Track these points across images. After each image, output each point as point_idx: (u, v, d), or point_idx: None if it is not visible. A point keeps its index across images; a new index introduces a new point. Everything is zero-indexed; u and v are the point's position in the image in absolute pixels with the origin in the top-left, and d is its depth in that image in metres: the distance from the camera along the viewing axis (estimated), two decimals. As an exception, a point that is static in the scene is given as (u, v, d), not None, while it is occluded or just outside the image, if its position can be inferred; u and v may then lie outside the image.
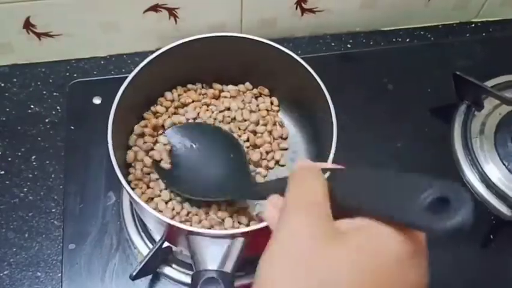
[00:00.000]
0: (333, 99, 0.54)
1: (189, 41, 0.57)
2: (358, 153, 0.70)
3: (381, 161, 0.70)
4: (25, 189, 0.67)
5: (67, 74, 0.77)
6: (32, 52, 0.76)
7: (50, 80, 0.76)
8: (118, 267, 0.61)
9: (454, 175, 0.69)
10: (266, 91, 0.64)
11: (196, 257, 0.45)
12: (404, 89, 0.77)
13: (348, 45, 0.83)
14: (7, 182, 0.68)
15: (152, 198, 0.56)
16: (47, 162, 0.69)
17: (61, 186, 0.67)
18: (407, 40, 0.83)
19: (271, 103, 0.64)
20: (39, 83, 0.76)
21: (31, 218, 0.66)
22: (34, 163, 0.69)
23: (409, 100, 0.76)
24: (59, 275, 0.62)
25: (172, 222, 0.47)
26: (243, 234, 0.46)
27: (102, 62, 0.78)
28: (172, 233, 0.51)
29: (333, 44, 0.83)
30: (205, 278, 0.43)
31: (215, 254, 0.45)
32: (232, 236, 0.46)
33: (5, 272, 0.62)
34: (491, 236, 0.66)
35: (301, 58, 0.57)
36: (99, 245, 0.63)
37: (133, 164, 0.57)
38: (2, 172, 0.69)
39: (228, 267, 0.45)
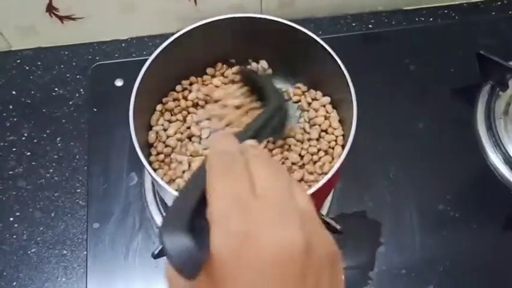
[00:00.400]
0: (354, 80, 0.54)
1: (209, 22, 0.57)
2: (379, 135, 0.69)
3: (402, 143, 0.70)
4: (51, 170, 0.69)
5: (90, 57, 0.78)
6: (55, 35, 0.77)
7: (73, 63, 0.77)
8: (141, 246, 0.63)
9: (477, 157, 0.68)
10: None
11: None
12: (427, 69, 0.75)
13: (370, 26, 0.81)
14: (33, 163, 0.69)
15: (174, 180, 0.57)
16: (72, 143, 0.71)
17: (85, 167, 0.69)
18: (430, 19, 0.82)
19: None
20: (62, 66, 0.77)
21: (57, 198, 0.67)
22: (59, 144, 0.71)
23: (431, 81, 0.74)
24: (85, 253, 0.63)
25: None
26: None
27: (123, 45, 0.79)
28: None
29: (354, 24, 0.82)
30: None
31: None
32: None
33: (33, 250, 0.64)
34: (514, 218, 0.65)
35: (322, 39, 0.56)
36: (122, 225, 0.64)
37: (154, 145, 0.58)
38: (29, 153, 0.70)
39: None
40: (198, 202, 0.30)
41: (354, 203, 0.65)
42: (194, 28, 0.56)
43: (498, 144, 0.67)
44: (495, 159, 0.67)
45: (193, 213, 0.29)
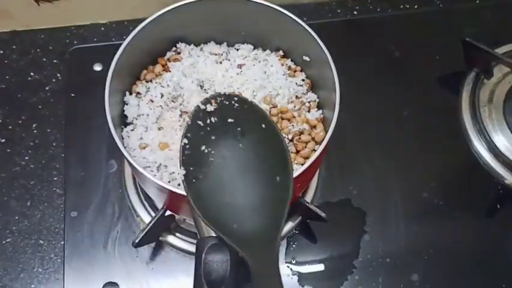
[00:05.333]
0: (338, 67, 0.52)
1: (188, 3, 0.55)
2: (363, 122, 0.69)
3: (387, 130, 0.69)
4: (26, 158, 0.67)
5: (67, 41, 0.75)
6: (31, 18, 0.74)
7: (50, 47, 0.75)
8: (120, 235, 0.61)
9: (461, 144, 0.68)
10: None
11: (199, 224, 0.45)
12: (412, 56, 0.75)
13: (355, 12, 0.80)
14: (8, 150, 0.67)
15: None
16: (48, 130, 0.69)
17: (62, 155, 0.67)
18: (415, 6, 0.81)
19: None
20: (38, 50, 0.75)
21: (33, 186, 0.65)
22: (35, 131, 0.69)
23: (416, 68, 0.74)
24: (62, 242, 0.62)
25: (173, 188, 0.46)
26: None
27: (102, 29, 0.77)
28: (173, 200, 0.50)
29: (338, 10, 0.81)
30: (210, 245, 0.43)
31: None
32: None
33: (8, 240, 0.62)
34: (498, 206, 0.65)
35: (308, 24, 0.55)
36: (101, 213, 0.63)
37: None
38: (3, 140, 0.68)
39: None
40: None
41: (339, 191, 0.65)
42: (173, 8, 0.55)
43: (482, 132, 0.67)
44: (479, 147, 0.67)
45: None
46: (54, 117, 0.69)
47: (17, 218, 0.63)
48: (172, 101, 0.56)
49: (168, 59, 0.59)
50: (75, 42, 0.75)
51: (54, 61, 0.74)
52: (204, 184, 0.44)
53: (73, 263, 0.60)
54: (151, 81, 0.57)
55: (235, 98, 0.49)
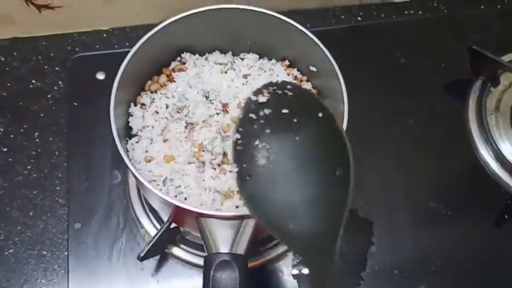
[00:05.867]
0: (343, 74, 0.52)
1: (194, 13, 0.54)
2: (369, 130, 0.68)
3: (393, 138, 0.69)
4: (28, 167, 0.66)
5: (69, 48, 0.75)
6: (32, 25, 0.73)
7: (52, 54, 0.74)
8: (125, 247, 0.61)
9: (468, 153, 0.68)
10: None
11: (207, 240, 0.44)
12: (417, 63, 0.74)
13: (359, 18, 0.80)
14: (10, 160, 0.66)
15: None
16: (51, 139, 0.68)
17: (65, 164, 0.66)
18: (420, 12, 0.80)
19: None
20: (40, 57, 0.74)
21: (35, 196, 0.64)
22: (37, 140, 0.68)
23: (422, 75, 0.73)
24: (65, 253, 0.61)
25: (179, 203, 0.45)
26: None
27: (104, 36, 0.76)
28: (179, 215, 0.49)
29: (343, 16, 0.80)
30: (219, 261, 0.42)
31: (227, 236, 0.44)
32: (243, 217, 0.45)
33: (10, 251, 0.61)
34: (506, 216, 0.64)
35: (310, 31, 0.54)
36: (105, 225, 0.62)
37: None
38: (5, 149, 0.67)
39: (241, 250, 0.44)
40: None
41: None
42: (179, 19, 0.54)
43: (489, 141, 0.66)
44: (486, 155, 0.67)
45: None
46: (57, 125, 0.69)
47: (19, 228, 0.63)
48: (177, 112, 0.55)
49: (173, 69, 0.58)
50: (77, 49, 0.74)
51: (56, 68, 0.73)
52: (258, 182, 0.41)
53: (77, 275, 0.59)
54: (155, 92, 0.57)
55: (289, 86, 0.46)
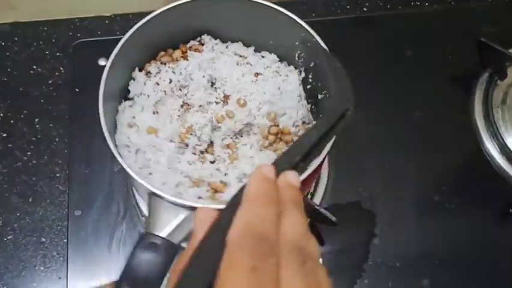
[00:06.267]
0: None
1: (190, 1, 0.53)
2: (374, 122, 0.67)
3: (398, 130, 0.68)
4: (28, 153, 0.65)
5: (70, 33, 0.74)
6: (34, 10, 0.72)
7: (53, 40, 0.73)
8: (125, 235, 0.60)
9: (474, 146, 0.67)
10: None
11: (150, 218, 0.44)
12: (424, 55, 0.73)
13: (364, 9, 0.79)
14: (10, 145, 0.66)
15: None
16: (51, 125, 0.67)
17: (65, 151, 0.65)
18: (426, 4, 0.79)
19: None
20: (41, 42, 0.73)
21: (35, 182, 0.64)
22: (37, 126, 0.67)
23: (429, 67, 0.72)
24: (65, 240, 0.60)
25: (131, 172, 0.45)
26: None
27: (107, 22, 0.75)
28: (138, 185, 0.48)
29: (348, 7, 0.79)
30: (149, 242, 0.42)
31: (169, 221, 0.44)
32: (192, 209, 0.44)
33: (9, 237, 0.61)
34: (511, 210, 0.64)
35: (315, 21, 0.54)
36: (106, 212, 0.61)
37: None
38: (5, 135, 0.66)
39: (177, 239, 0.43)
40: None
41: (349, 193, 0.64)
42: (176, 6, 0.53)
43: (495, 134, 0.66)
44: (492, 149, 0.66)
45: None
46: (57, 111, 0.68)
47: (18, 214, 0.62)
48: (179, 89, 0.55)
49: (190, 47, 0.57)
50: (78, 35, 0.73)
51: (57, 54, 0.72)
52: None
53: (77, 262, 0.59)
54: (165, 64, 0.56)
55: None
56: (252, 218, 0.28)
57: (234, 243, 0.27)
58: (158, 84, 0.54)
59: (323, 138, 0.37)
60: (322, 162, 0.49)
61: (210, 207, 0.35)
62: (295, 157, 0.34)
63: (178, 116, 0.53)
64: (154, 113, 0.53)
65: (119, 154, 0.48)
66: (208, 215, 0.30)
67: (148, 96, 0.54)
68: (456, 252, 0.61)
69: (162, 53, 0.57)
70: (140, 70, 0.56)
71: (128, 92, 0.55)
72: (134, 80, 0.55)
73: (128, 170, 0.46)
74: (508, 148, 0.65)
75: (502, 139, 0.65)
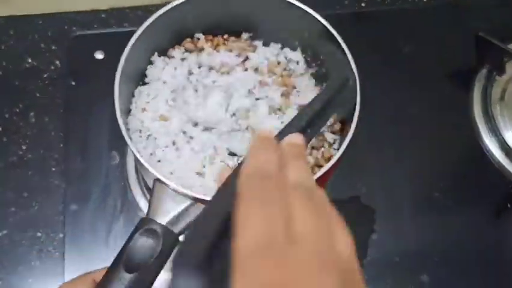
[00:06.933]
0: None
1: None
2: (372, 119, 0.67)
3: (396, 128, 0.68)
4: (24, 147, 0.65)
5: (66, 27, 0.73)
6: (29, 3, 0.72)
7: (49, 33, 0.72)
8: (122, 230, 0.60)
9: (472, 142, 0.67)
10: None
11: (152, 204, 0.44)
12: (421, 51, 0.73)
13: (363, 4, 0.78)
14: (5, 140, 0.65)
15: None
16: (47, 119, 0.66)
17: (61, 145, 0.65)
18: (424, 0, 0.79)
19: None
20: (36, 35, 0.72)
21: (30, 177, 0.63)
22: (32, 120, 0.66)
23: (426, 63, 0.72)
24: (61, 235, 0.60)
25: (141, 159, 0.44)
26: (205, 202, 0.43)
27: (103, 16, 0.74)
28: (145, 170, 0.47)
29: (346, 2, 0.79)
30: (148, 227, 0.42)
31: (171, 209, 0.43)
32: (195, 200, 0.43)
33: (4, 232, 0.60)
34: (509, 205, 0.64)
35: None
36: (102, 207, 0.61)
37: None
38: (0, 129, 0.66)
39: (177, 228, 0.43)
40: (220, 230, 0.25)
41: (347, 189, 0.64)
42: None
43: (494, 130, 0.66)
44: (491, 144, 0.66)
45: (212, 245, 0.25)
46: (53, 105, 0.67)
47: (13, 209, 0.61)
48: (197, 79, 0.53)
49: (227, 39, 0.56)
50: (74, 28, 0.73)
51: (53, 47, 0.71)
52: None
53: (73, 258, 0.58)
54: (190, 51, 0.55)
55: None
56: (256, 162, 0.29)
57: (243, 184, 0.28)
58: (176, 69, 0.53)
59: (326, 106, 0.39)
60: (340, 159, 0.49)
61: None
62: (299, 123, 0.36)
63: (196, 105, 0.51)
64: (167, 101, 0.52)
65: (130, 138, 0.47)
66: None
67: (165, 82, 0.53)
68: (455, 247, 0.61)
69: (188, 39, 0.56)
70: (159, 55, 0.54)
71: (145, 76, 0.54)
72: (152, 64, 0.54)
73: (136, 153, 0.45)
74: (507, 144, 0.65)
75: (501, 135, 0.65)
